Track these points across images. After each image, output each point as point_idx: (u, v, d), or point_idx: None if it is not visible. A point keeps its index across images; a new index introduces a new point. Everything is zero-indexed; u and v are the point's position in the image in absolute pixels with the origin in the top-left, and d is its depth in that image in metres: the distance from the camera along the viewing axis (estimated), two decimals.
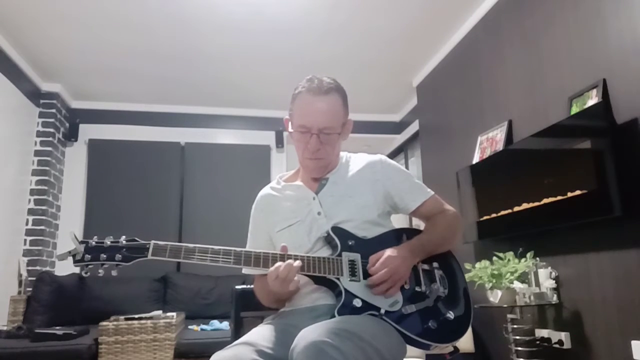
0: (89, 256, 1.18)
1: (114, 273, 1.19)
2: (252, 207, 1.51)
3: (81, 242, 1.19)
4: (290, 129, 1.39)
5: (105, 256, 1.18)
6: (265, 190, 1.51)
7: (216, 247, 1.22)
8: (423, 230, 1.44)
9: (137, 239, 1.21)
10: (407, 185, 1.45)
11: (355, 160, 1.49)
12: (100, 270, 1.19)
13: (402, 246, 1.31)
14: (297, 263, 1.19)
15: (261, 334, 1.22)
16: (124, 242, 1.20)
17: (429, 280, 1.33)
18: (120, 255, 1.18)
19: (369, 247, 1.31)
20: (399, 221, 1.54)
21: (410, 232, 1.40)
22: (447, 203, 1.50)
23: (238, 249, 1.23)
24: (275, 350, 1.14)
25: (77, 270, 4.22)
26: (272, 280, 1.20)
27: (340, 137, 1.39)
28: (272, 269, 1.19)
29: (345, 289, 1.23)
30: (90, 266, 1.19)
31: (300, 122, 1.34)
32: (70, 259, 1.18)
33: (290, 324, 1.25)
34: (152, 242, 1.20)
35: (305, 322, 1.13)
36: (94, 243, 1.20)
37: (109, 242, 1.20)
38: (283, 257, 1.23)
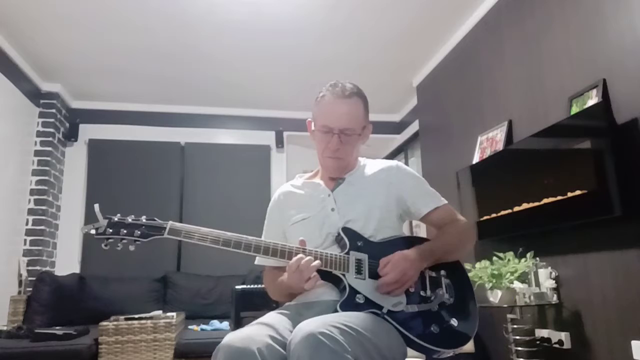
0: (111, 230, 1.26)
1: (131, 248, 1.27)
2: (270, 202, 1.57)
3: (105, 217, 1.28)
4: (312, 129, 1.46)
5: (125, 231, 1.27)
6: (285, 187, 1.58)
7: (228, 234, 1.27)
8: (434, 237, 1.45)
9: (156, 219, 1.30)
10: (421, 190, 1.49)
11: (372, 164, 1.55)
12: (119, 245, 1.27)
13: (412, 250, 1.33)
14: (317, 262, 1.23)
15: (275, 318, 1.25)
16: (144, 220, 1.29)
17: (434, 286, 1.34)
18: (139, 232, 1.27)
19: (377, 249, 1.33)
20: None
21: (418, 241, 1.42)
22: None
23: (249, 237, 1.28)
24: (287, 338, 1.14)
25: (77, 270, 4.18)
26: (292, 272, 1.23)
27: (359, 139, 1.45)
28: (293, 260, 1.23)
29: (350, 285, 1.26)
30: (110, 240, 1.27)
31: (323, 123, 1.41)
32: (93, 231, 1.27)
33: (294, 317, 1.27)
34: (170, 222, 1.28)
35: (308, 316, 1.14)
36: (116, 219, 1.29)
37: (130, 220, 1.29)
38: (291, 250, 1.27)
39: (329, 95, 1.42)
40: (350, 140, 1.41)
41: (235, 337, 1.11)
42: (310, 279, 1.22)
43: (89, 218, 4.55)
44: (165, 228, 1.26)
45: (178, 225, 1.27)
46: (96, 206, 1.28)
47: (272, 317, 1.27)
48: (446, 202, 1.49)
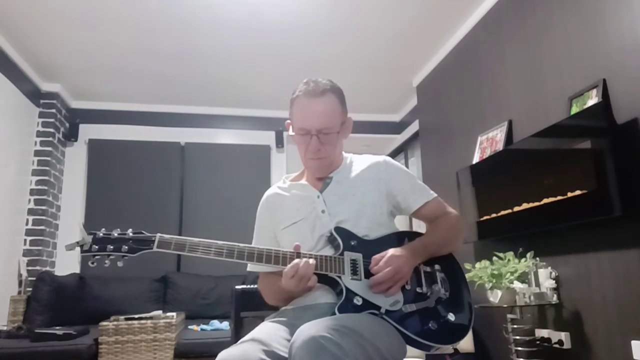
0: (97, 247, 1.22)
1: (119, 264, 1.22)
2: (259, 206, 1.53)
3: (89, 233, 1.22)
4: (291, 132, 1.42)
5: (112, 247, 1.22)
6: (272, 189, 1.54)
7: (220, 242, 1.24)
8: (425, 232, 1.45)
9: (143, 231, 1.24)
10: (411, 185, 1.46)
11: (359, 160, 1.50)
12: (106, 261, 1.22)
13: (405, 247, 1.32)
14: (312, 261, 1.22)
15: (267, 332, 1.22)
16: (131, 234, 1.24)
17: (430, 281, 1.33)
18: (126, 247, 1.22)
19: (371, 247, 1.32)
20: (398, 224, 1.54)
21: (412, 235, 1.41)
22: (448, 203, 1.51)
23: (242, 245, 1.25)
24: (281, 350, 1.14)
25: (77, 270, 4.18)
26: (289, 278, 1.20)
27: (340, 136, 1.41)
28: (289, 266, 1.21)
29: (347, 287, 1.24)
30: (97, 257, 1.22)
31: (300, 125, 1.37)
32: (78, 249, 1.22)
33: (292, 322, 1.25)
34: (158, 235, 1.23)
35: (306, 320, 1.13)
36: (101, 234, 1.23)
37: (116, 234, 1.24)
38: (285, 255, 1.25)
39: (302, 96, 1.37)
40: (330, 139, 1.37)
41: (230, 355, 1.11)
42: (311, 279, 1.21)
43: (89, 218, 4.55)
44: (154, 241, 1.22)
45: (167, 237, 1.22)
46: (80, 223, 1.26)
47: (267, 329, 1.24)
48: (435, 195, 1.47)
